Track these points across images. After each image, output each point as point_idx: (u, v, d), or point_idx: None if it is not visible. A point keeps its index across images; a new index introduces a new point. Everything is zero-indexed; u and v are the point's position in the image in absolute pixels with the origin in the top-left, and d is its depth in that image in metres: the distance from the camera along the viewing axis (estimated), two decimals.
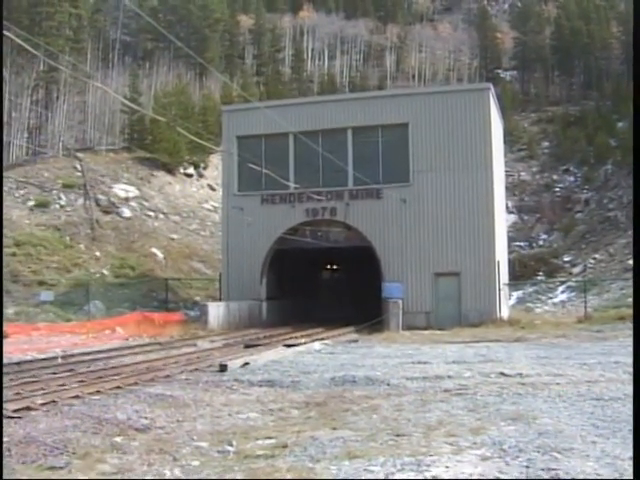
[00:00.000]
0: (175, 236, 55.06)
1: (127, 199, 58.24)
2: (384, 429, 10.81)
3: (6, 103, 63.26)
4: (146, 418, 12.07)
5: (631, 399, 11.12)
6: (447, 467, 8.53)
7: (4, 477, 8.96)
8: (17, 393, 14.49)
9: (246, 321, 35.86)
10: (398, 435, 10.36)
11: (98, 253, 48.20)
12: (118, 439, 10.53)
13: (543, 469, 8.30)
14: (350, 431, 10.71)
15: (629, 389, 13.02)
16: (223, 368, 18.18)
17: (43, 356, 22.38)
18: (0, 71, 36.55)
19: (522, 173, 78.86)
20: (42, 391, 14.80)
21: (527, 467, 8.45)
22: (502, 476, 8.11)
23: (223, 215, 40.04)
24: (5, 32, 16.93)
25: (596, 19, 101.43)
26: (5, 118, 63.80)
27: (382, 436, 10.33)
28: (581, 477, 8.01)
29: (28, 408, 12.90)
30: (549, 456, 8.95)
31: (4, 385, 15.51)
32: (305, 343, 25.93)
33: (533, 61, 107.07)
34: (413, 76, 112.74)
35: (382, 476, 8.19)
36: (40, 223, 50.30)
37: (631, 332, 16.15)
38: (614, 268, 51.17)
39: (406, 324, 32.42)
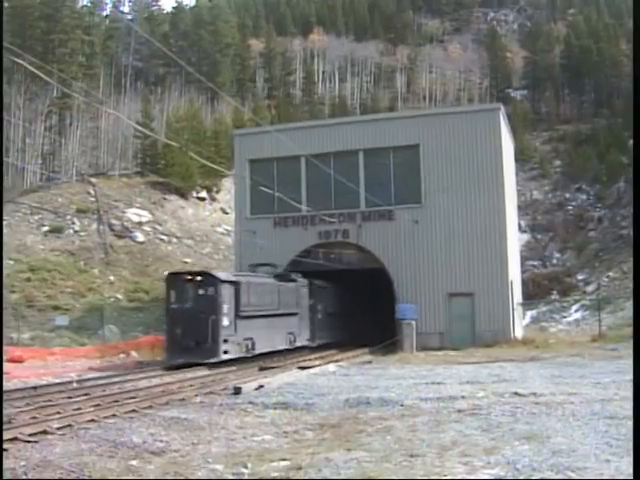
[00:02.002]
0: (188, 260, 55.24)
1: (140, 223, 58.52)
2: (398, 450, 10.84)
3: (20, 129, 63.85)
4: (161, 441, 12.13)
5: None
6: None
7: (4, 477, 9.06)
8: (33, 417, 14.59)
9: None
10: (412, 455, 10.38)
11: (112, 277, 48.42)
12: (134, 462, 10.59)
13: None
14: (364, 452, 10.74)
15: None
16: (237, 391, 18.21)
17: (58, 380, 22.47)
18: (0, 84, 36.73)
19: (534, 192, 78.87)
20: (58, 415, 14.88)
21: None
22: None
23: (236, 238, 40.16)
24: (19, 60, 17.15)
25: (605, 37, 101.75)
26: (19, 144, 64.46)
27: (396, 457, 10.36)
28: None
29: (44, 432, 12.99)
30: (563, 475, 8.98)
31: (20, 409, 15.62)
32: (319, 365, 25.94)
33: (543, 80, 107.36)
34: (424, 97, 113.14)
35: None
36: (54, 248, 50.60)
37: None
38: (628, 286, 50.91)
39: (420, 345, 32.33)
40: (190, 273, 28.17)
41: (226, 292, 27.12)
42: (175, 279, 27.73)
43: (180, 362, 25.77)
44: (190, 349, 26.03)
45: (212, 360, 25.79)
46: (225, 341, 26.63)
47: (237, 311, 27.45)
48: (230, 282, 27.66)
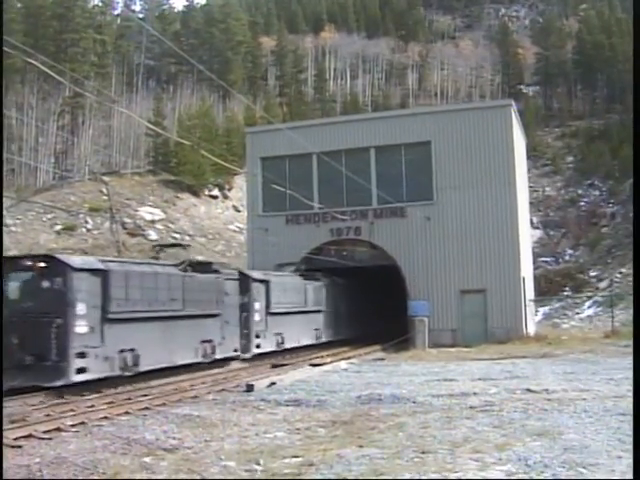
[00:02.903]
0: (201, 258, 55.28)
1: (153, 222, 58.77)
2: (410, 446, 10.85)
3: (33, 129, 64.13)
4: (174, 438, 12.19)
5: None
6: None
7: (4, 477, 9.14)
8: (47, 415, 14.70)
9: None
10: (424, 452, 10.40)
11: None
12: (147, 459, 10.65)
13: None
14: (376, 449, 10.77)
15: None
16: (250, 388, 18.27)
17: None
18: (0, 78, 36.91)
19: (547, 188, 78.70)
20: (72, 412, 14.97)
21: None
22: None
23: (248, 236, 40.24)
24: (31, 60, 17.28)
25: (618, 32, 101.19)
26: (32, 143, 64.71)
27: (408, 453, 10.38)
28: None
29: (58, 429, 13.09)
30: (575, 471, 8.99)
31: (34, 407, 15.72)
32: (331, 362, 25.97)
33: (555, 76, 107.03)
34: (435, 94, 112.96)
35: None
36: (67, 247, 50.79)
37: None
38: None
39: (432, 342, 32.34)
40: (31, 257, 19.60)
41: (83, 285, 18.93)
42: (12, 266, 18.82)
43: (14, 385, 17.33)
44: (27, 367, 17.78)
45: (57, 383, 17.83)
46: (81, 355, 18.43)
47: (105, 312, 19.32)
48: (91, 271, 19.36)
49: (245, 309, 27.47)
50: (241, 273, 27.97)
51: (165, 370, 21.90)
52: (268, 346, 29.06)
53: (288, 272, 33.80)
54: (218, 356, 24.94)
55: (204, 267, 25.36)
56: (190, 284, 23.40)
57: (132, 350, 20.25)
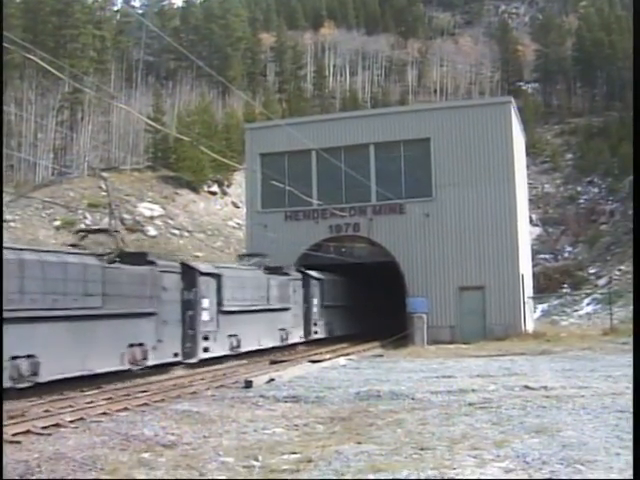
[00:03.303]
0: (200, 254, 55.39)
1: (152, 218, 58.72)
2: (408, 443, 10.85)
3: (32, 124, 64.04)
4: (173, 434, 12.18)
5: None
6: None
7: (4, 477, 9.14)
8: (46, 410, 14.70)
9: None
10: (422, 449, 10.39)
11: None
12: (146, 455, 10.64)
13: None
14: (375, 445, 10.76)
15: None
16: (248, 384, 18.27)
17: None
18: (0, 75, 36.86)
19: (546, 185, 78.71)
20: (71, 408, 14.97)
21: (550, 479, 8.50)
22: None
23: (247, 232, 40.25)
24: (30, 55, 17.26)
25: (618, 29, 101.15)
26: (31, 139, 64.63)
27: (406, 450, 10.38)
28: None
29: (57, 425, 13.08)
30: (572, 468, 8.98)
31: (33, 402, 15.72)
32: (330, 359, 25.96)
33: (555, 73, 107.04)
34: (435, 91, 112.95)
35: None
36: (66, 243, 50.74)
37: None
38: None
39: (431, 338, 32.34)
40: None
41: None
42: None
43: None
44: None
45: None
46: None
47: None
48: None
49: (190, 307, 23.72)
50: (184, 265, 24.35)
51: (85, 379, 18.61)
52: (219, 349, 25.38)
53: (249, 265, 30.65)
54: (151, 362, 21.31)
55: (136, 258, 21.83)
56: (114, 277, 19.74)
57: (30, 357, 16.56)
